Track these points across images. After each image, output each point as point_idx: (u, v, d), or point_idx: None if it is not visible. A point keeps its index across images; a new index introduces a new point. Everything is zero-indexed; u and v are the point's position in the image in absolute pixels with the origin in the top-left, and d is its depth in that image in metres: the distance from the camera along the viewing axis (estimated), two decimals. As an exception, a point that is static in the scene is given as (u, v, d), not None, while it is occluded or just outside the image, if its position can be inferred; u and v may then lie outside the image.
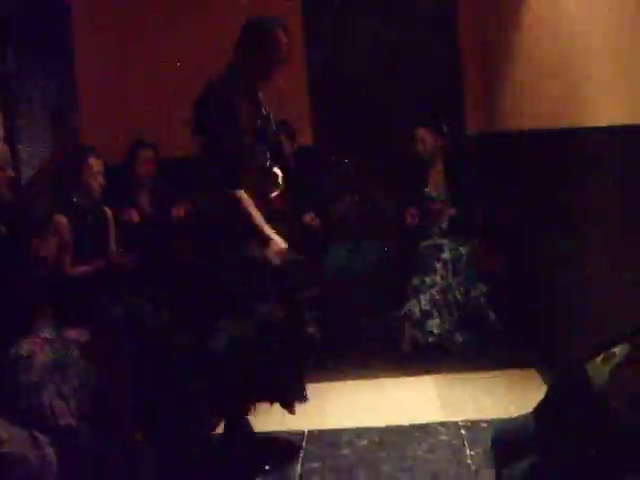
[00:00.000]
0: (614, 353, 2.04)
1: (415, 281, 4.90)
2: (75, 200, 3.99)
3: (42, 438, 2.56)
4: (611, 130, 3.23)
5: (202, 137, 3.31)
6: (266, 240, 3.29)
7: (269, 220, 3.36)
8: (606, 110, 3.31)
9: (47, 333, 3.05)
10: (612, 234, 3.32)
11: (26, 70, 4.20)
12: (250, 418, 3.47)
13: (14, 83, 4.07)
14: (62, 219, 3.85)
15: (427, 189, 5.16)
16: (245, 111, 3.31)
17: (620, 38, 3.10)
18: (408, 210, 5.07)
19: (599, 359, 2.05)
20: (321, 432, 3.66)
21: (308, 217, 4.84)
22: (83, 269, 3.91)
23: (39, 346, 2.91)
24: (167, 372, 3.42)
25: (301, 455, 3.43)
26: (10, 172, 3.36)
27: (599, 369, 2.03)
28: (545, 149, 4.25)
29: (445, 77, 5.67)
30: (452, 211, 5.05)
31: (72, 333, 3.14)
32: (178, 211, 4.71)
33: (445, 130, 5.10)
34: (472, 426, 3.57)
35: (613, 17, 3.16)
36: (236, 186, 3.25)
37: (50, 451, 2.56)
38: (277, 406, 3.80)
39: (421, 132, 5.10)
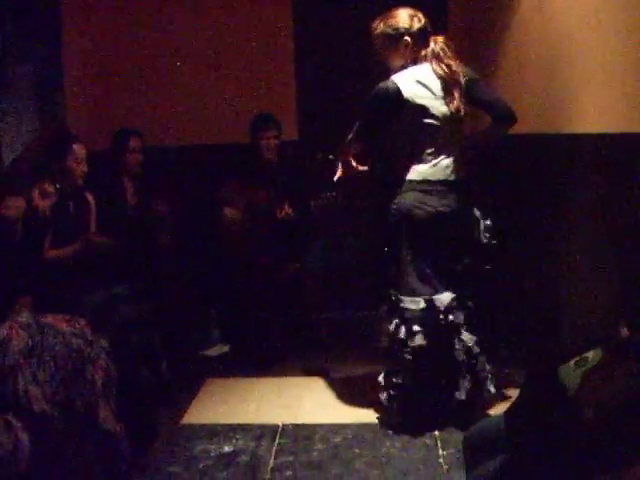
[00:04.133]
0: (587, 358, 2.06)
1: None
2: (58, 186, 3.97)
3: (15, 423, 2.55)
4: (598, 137, 3.26)
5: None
6: None
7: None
8: (594, 117, 3.34)
9: (24, 318, 3.04)
10: (594, 240, 3.35)
11: (12, 54, 4.17)
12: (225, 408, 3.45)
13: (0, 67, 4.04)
14: (43, 203, 3.84)
15: None
16: None
17: (609, 44, 3.12)
18: None
19: (572, 363, 2.08)
20: (296, 426, 3.67)
21: (282, 211, 4.85)
22: (61, 252, 3.90)
23: (15, 331, 2.90)
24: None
25: (274, 448, 3.45)
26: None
27: (571, 373, 2.05)
28: (530, 154, 4.28)
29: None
30: None
31: (50, 319, 3.13)
32: (161, 210, 4.74)
33: None
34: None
35: (602, 21, 3.18)
36: None
37: (23, 436, 2.55)
38: (253, 397, 3.84)
39: None
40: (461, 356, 3.57)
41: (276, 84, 5.50)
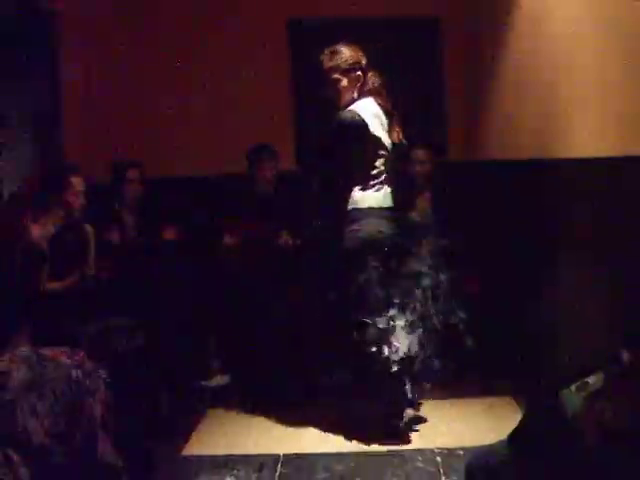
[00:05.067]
0: (587, 382, 2.05)
1: (393, 306, 4.90)
2: (55, 219, 3.97)
3: (15, 457, 2.53)
4: (591, 161, 3.27)
5: None
6: None
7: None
8: (587, 142, 3.35)
9: (24, 351, 3.02)
10: (589, 262, 3.35)
11: (10, 87, 4.20)
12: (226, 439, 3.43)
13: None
14: (40, 236, 3.84)
15: (413, 214, 5.13)
16: None
17: (602, 70, 3.15)
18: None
19: (573, 387, 2.07)
20: (297, 456, 3.65)
21: (283, 239, 4.85)
22: (58, 284, 3.89)
23: (15, 364, 2.88)
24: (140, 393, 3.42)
25: (276, 478, 3.42)
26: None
27: (573, 397, 2.04)
28: (525, 179, 4.29)
29: (428, 107, 5.67)
30: (444, 241, 4.95)
31: (49, 351, 3.11)
32: (169, 234, 4.72)
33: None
34: (448, 453, 3.57)
35: (596, 49, 3.21)
36: None
37: (23, 470, 2.53)
38: (254, 427, 3.81)
39: (420, 153, 5.02)
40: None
41: (274, 115, 5.52)
